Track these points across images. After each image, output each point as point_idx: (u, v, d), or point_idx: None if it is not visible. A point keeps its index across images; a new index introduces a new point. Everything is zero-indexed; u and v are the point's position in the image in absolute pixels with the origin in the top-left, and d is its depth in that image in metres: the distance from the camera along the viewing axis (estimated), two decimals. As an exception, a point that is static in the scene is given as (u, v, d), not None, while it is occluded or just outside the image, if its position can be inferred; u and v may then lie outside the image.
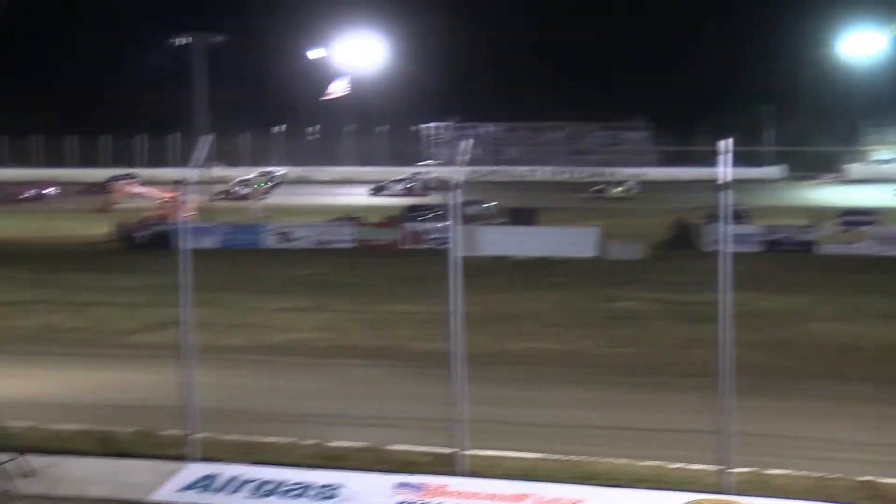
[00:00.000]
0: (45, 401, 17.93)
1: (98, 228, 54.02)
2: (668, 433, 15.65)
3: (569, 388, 21.31)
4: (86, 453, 16.27)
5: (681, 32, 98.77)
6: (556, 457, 15.87)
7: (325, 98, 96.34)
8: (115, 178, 75.07)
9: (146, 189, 61.59)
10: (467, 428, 14.92)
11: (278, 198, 68.19)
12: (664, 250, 44.58)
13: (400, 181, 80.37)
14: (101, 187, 73.39)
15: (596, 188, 76.96)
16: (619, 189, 76.82)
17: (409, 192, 77.23)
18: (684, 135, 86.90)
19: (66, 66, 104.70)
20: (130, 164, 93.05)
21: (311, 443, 16.60)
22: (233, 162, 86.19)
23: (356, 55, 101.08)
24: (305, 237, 50.01)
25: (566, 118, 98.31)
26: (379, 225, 51.43)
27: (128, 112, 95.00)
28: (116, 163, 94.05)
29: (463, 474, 14.80)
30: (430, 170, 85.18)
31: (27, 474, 15.09)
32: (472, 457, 15.16)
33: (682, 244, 44.70)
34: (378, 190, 79.08)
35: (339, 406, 18.48)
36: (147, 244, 48.91)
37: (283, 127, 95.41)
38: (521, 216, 50.87)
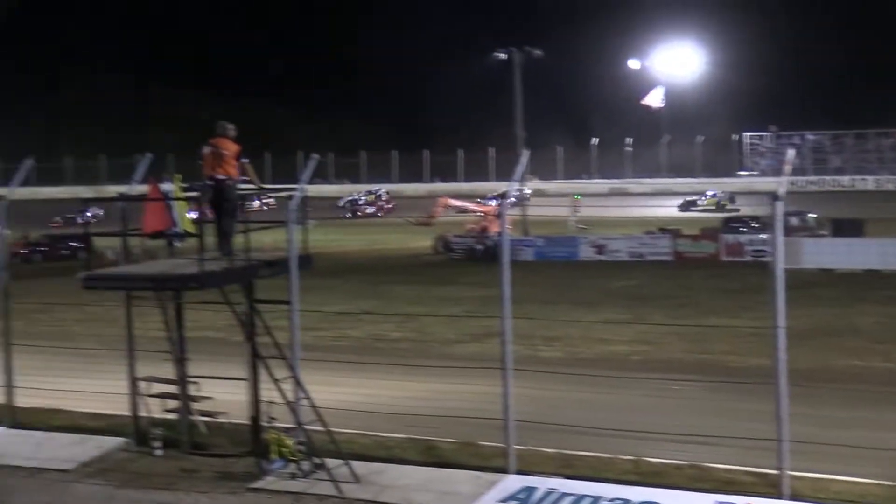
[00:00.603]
0: (370, 409, 18.59)
1: (420, 241, 55.80)
2: None
3: (898, 409, 20.30)
4: (408, 461, 16.77)
5: None
6: (888, 483, 15.10)
7: (644, 109, 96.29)
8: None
9: (466, 202, 63.06)
10: (789, 448, 14.45)
11: (592, 210, 68.27)
12: None
13: (495, 197, 75.34)
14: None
15: (688, 199, 75.89)
16: (707, 201, 75.49)
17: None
18: None
19: (390, 82, 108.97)
20: (452, 178, 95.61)
21: (629, 458, 16.46)
22: (546, 175, 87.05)
23: (672, 65, 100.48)
24: (621, 249, 50.06)
25: (890, 124, 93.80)
26: (697, 237, 50.82)
27: (446, 127, 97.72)
28: (435, 176, 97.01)
29: (786, 497, 14.33)
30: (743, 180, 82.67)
31: (354, 480, 15.70)
32: (796, 478, 14.67)
33: None
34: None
35: (654, 421, 18.22)
36: (468, 256, 50.41)
37: (596, 140, 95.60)
38: (845, 227, 48.94)
